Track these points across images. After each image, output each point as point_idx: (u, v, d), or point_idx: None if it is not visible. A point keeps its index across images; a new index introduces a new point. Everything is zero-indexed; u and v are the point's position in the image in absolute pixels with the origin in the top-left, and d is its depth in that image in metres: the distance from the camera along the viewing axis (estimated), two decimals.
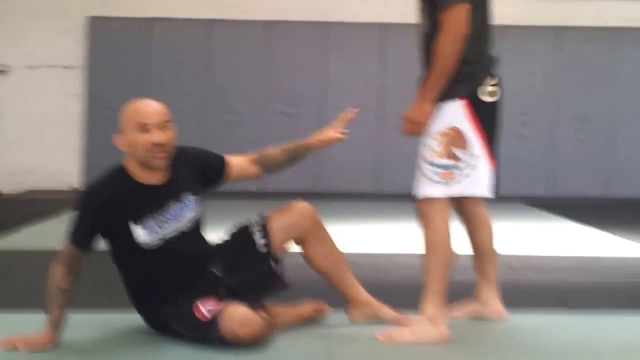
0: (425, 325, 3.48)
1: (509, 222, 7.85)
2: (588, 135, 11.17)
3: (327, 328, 3.67)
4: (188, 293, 3.39)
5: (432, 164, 3.50)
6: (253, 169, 3.72)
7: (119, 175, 3.40)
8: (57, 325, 3.27)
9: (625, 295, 4.73)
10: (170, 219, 3.40)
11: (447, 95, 3.47)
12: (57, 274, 3.28)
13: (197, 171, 3.56)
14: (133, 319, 3.57)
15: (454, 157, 3.49)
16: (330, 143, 3.80)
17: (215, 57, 11.04)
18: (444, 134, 3.49)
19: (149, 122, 3.34)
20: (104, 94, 10.81)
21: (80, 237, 3.32)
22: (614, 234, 7.26)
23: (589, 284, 5.04)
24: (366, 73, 11.05)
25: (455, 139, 3.48)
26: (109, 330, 3.57)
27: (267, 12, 11.11)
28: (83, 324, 3.58)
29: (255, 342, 3.25)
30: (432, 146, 3.50)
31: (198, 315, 3.28)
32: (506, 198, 8.21)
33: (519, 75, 10.60)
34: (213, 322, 3.23)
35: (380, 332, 3.52)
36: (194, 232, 3.49)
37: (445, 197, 3.52)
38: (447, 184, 3.50)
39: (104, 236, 3.38)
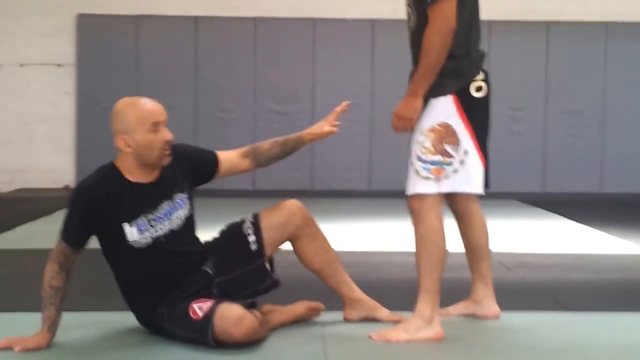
0: (420, 324, 3.46)
1: (500, 219, 7.84)
2: (579, 131, 11.16)
3: (321, 327, 3.65)
4: (181, 292, 3.38)
5: (422, 160, 3.48)
6: (244, 163, 3.70)
7: (111, 173, 3.38)
8: (51, 324, 3.25)
9: (617, 293, 4.72)
10: (162, 218, 3.38)
11: (436, 90, 3.46)
12: (50, 273, 3.26)
13: (189, 169, 3.54)
14: (127, 318, 3.55)
15: (445, 154, 3.47)
16: (322, 136, 3.77)
17: (204, 54, 11.01)
18: (434, 130, 3.47)
19: (160, 121, 3.34)
20: (94, 92, 10.77)
21: (72, 235, 3.30)
22: (606, 230, 7.26)
23: (581, 282, 5.04)
24: (356, 70, 11.03)
25: (445, 134, 3.47)
26: (103, 330, 3.55)
27: (256, 9, 11.08)
28: (78, 324, 3.57)
29: (249, 341, 3.24)
30: (422, 142, 3.48)
31: (191, 315, 3.27)
32: (498, 195, 8.21)
33: (509, 70, 10.60)
34: (206, 322, 3.21)
35: (374, 331, 3.51)
36: (185, 230, 3.47)
37: (436, 193, 3.50)
38: (437, 180, 3.48)
39: (96, 234, 3.36)
